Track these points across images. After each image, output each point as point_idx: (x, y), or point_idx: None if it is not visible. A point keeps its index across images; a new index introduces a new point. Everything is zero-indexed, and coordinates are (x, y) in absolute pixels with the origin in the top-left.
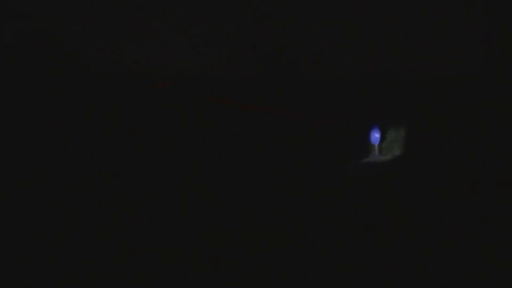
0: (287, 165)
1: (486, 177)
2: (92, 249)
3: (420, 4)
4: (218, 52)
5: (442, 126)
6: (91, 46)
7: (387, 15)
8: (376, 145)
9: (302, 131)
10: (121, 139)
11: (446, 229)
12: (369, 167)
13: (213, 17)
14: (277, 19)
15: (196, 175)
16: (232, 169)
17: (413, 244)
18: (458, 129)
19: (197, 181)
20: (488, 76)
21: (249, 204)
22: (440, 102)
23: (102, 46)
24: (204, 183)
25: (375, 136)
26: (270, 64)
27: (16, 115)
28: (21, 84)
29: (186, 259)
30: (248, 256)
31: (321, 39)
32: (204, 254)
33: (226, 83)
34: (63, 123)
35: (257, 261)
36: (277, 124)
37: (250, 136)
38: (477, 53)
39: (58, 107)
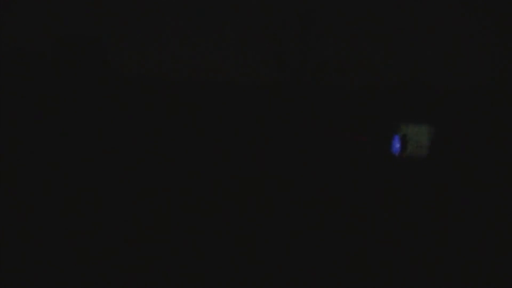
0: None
1: (509, 182)
2: (92, 249)
3: (443, 21)
4: (243, 60)
5: (464, 136)
6: (114, 49)
7: (411, 28)
8: (397, 154)
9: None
10: (124, 140)
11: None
12: (386, 173)
13: (239, 28)
14: (302, 29)
15: (196, 175)
16: (233, 170)
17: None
18: (481, 140)
19: (197, 181)
20: (507, 86)
21: (249, 204)
22: (462, 112)
23: (127, 51)
24: (205, 183)
25: (397, 145)
26: (295, 72)
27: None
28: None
29: (186, 259)
30: (248, 256)
31: (346, 49)
32: (204, 254)
33: (251, 90)
34: (65, 122)
35: (257, 261)
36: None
37: (254, 138)
38: (499, 65)
39: (60, 107)
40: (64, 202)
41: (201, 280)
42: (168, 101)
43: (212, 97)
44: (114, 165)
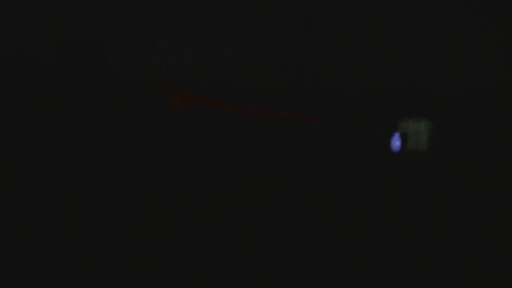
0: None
1: (508, 184)
2: (92, 249)
3: (443, 21)
4: (245, 62)
5: (464, 136)
6: (114, 49)
7: (411, 28)
8: (397, 152)
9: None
10: (127, 140)
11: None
12: (388, 170)
13: (239, 28)
14: (302, 29)
15: (196, 175)
16: (235, 170)
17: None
18: (480, 138)
19: (197, 181)
20: (507, 86)
21: (250, 204)
22: (462, 112)
23: (126, 51)
24: (205, 183)
25: (396, 144)
26: (295, 73)
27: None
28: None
29: (186, 259)
30: (248, 256)
31: (346, 49)
32: (204, 254)
33: (251, 90)
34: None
35: (257, 261)
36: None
37: (256, 139)
38: (499, 65)
39: (62, 107)
40: (64, 202)
41: (201, 280)
42: (168, 101)
43: (212, 97)
44: (114, 165)
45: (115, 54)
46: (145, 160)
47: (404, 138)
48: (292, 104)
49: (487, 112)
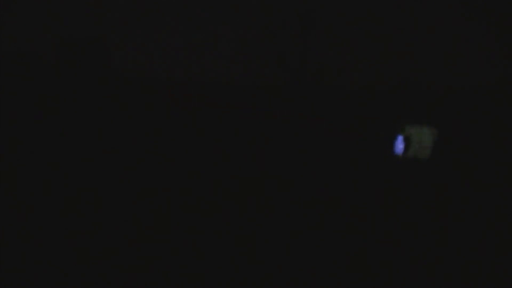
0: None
1: (508, 184)
2: (92, 249)
3: (443, 21)
4: (245, 62)
5: (464, 136)
6: (114, 49)
7: (411, 28)
8: (401, 155)
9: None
10: (129, 140)
11: (470, 233)
12: (391, 173)
13: (239, 28)
14: (302, 29)
15: (196, 175)
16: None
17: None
18: (481, 140)
19: (197, 181)
20: (507, 86)
21: (251, 204)
22: (462, 112)
23: (129, 52)
24: (205, 183)
25: (399, 146)
26: (295, 73)
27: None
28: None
29: (186, 259)
30: (248, 256)
31: (346, 49)
32: (204, 254)
33: (251, 90)
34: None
35: (257, 261)
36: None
37: (257, 138)
38: (499, 65)
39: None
40: (64, 202)
41: (201, 280)
42: (168, 101)
43: (212, 97)
44: (114, 165)
45: (115, 54)
46: (145, 160)
47: (407, 141)
48: (292, 104)
49: (487, 112)
